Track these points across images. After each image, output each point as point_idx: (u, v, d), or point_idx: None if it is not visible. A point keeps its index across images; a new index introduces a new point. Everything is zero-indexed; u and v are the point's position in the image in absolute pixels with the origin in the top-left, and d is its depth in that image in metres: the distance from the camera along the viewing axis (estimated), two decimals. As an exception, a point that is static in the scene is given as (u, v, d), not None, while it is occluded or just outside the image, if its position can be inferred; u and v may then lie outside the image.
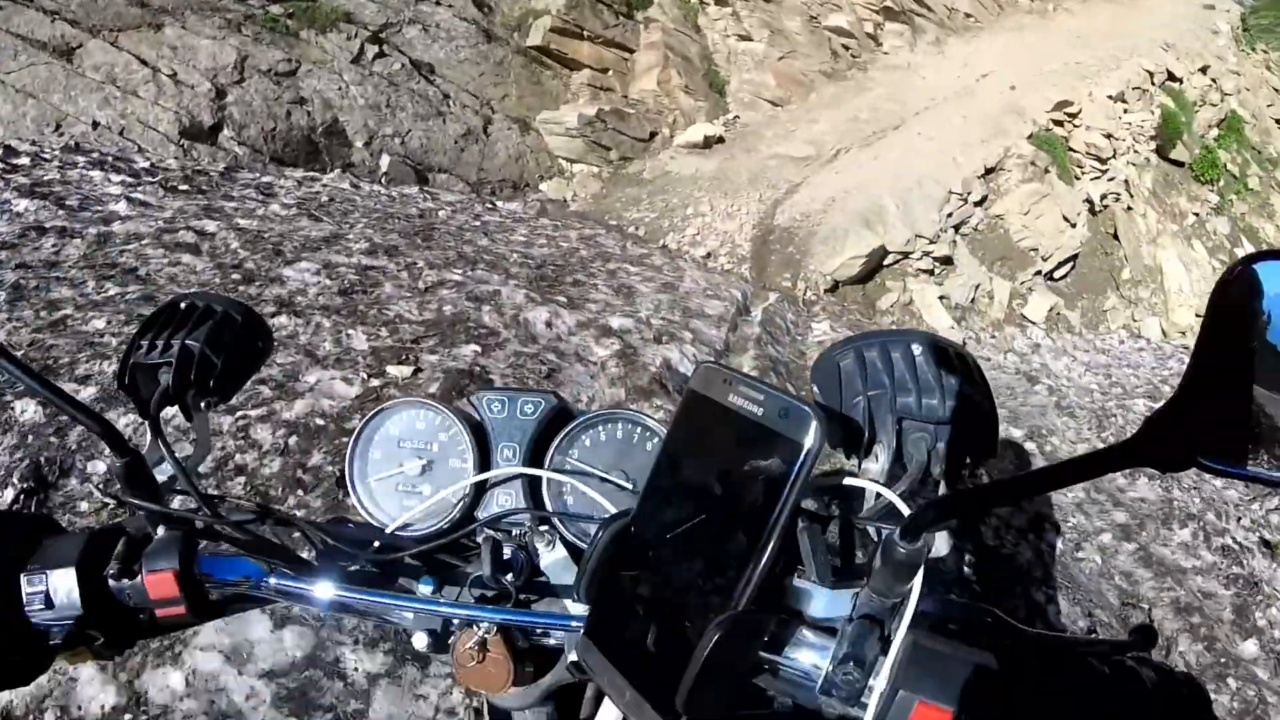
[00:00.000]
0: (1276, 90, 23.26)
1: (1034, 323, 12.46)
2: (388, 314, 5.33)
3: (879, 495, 0.82)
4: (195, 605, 0.99)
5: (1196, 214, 17.89)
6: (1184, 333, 14.64)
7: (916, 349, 0.91)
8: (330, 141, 10.87)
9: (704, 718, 0.71)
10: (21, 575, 0.97)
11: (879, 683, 0.71)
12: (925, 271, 11.43)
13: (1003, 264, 12.88)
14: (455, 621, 1.05)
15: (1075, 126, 15.28)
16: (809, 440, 0.69)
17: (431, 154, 11.89)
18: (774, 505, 0.70)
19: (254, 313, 1.16)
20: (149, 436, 1.06)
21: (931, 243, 11.37)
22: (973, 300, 11.87)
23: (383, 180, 10.77)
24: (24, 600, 0.96)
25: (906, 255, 11.19)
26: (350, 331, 4.96)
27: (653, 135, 14.28)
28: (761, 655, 0.75)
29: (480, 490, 1.16)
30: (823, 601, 0.77)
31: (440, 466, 1.18)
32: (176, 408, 1.09)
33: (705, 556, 0.76)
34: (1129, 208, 15.99)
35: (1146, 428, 0.55)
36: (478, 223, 8.85)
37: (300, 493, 3.55)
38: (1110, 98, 16.03)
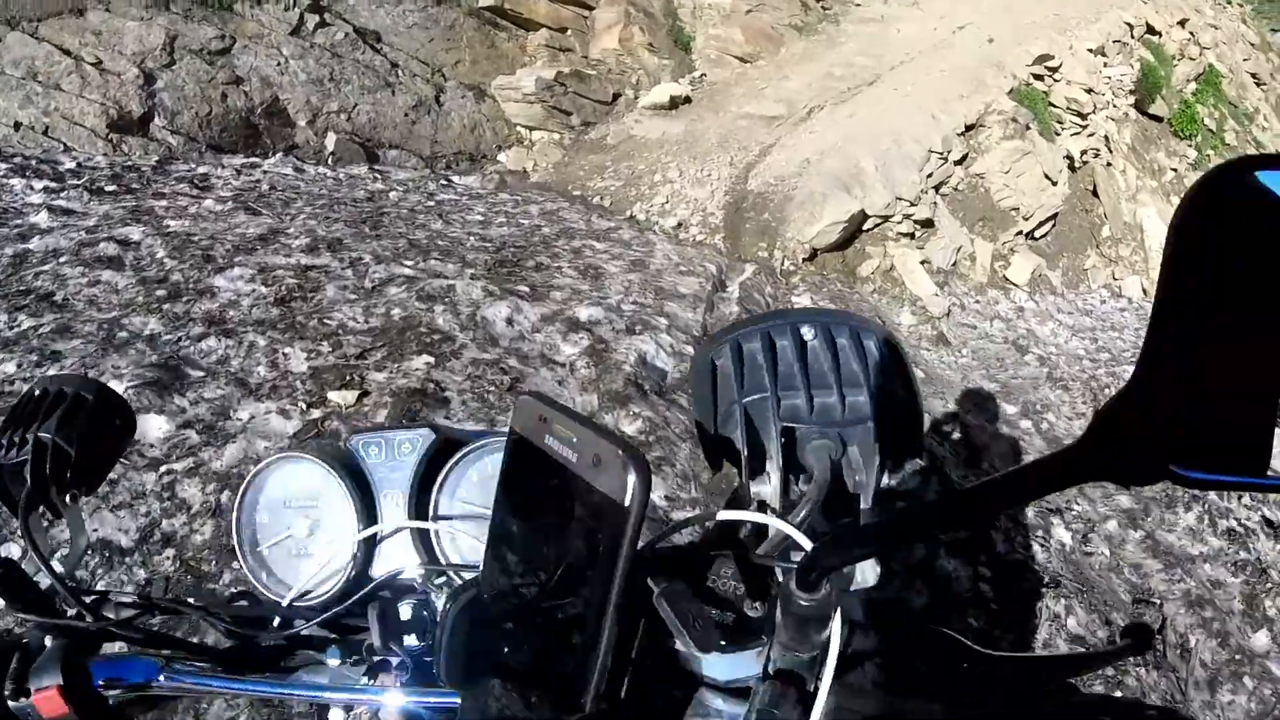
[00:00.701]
0: (1253, 44, 22.95)
1: (1017, 285, 12.05)
2: (330, 323, 4.80)
3: None
4: (90, 718, 0.90)
5: (1175, 169, 17.42)
6: None
7: (807, 334, 0.83)
8: (271, 123, 10.18)
9: None
10: None
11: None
12: (906, 235, 10.87)
13: (984, 225, 12.38)
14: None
15: (1055, 81, 14.75)
16: (628, 498, 0.58)
17: (381, 129, 11.23)
18: (606, 572, 0.60)
19: (105, 388, 1.06)
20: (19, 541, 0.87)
21: (912, 205, 10.80)
22: (954, 263, 11.37)
23: (329, 161, 10.21)
24: None
25: (886, 219, 10.62)
26: (288, 350, 4.48)
27: (616, 97, 13.62)
28: None
29: (371, 545, 1.09)
30: (722, 664, 0.72)
31: (328, 524, 1.11)
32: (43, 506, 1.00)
33: (553, 629, 0.67)
34: (1108, 164, 15.49)
35: (1097, 426, 0.43)
36: (431, 203, 8.30)
37: (238, 565, 3.15)
38: (1090, 51, 15.48)
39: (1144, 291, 13.99)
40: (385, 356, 4.58)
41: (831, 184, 10.28)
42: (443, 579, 1.05)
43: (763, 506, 0.81)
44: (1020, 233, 12.87)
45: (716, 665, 0.71)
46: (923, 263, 10.66)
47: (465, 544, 1.08)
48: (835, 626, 0.64)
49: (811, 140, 11.65)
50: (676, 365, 5.30)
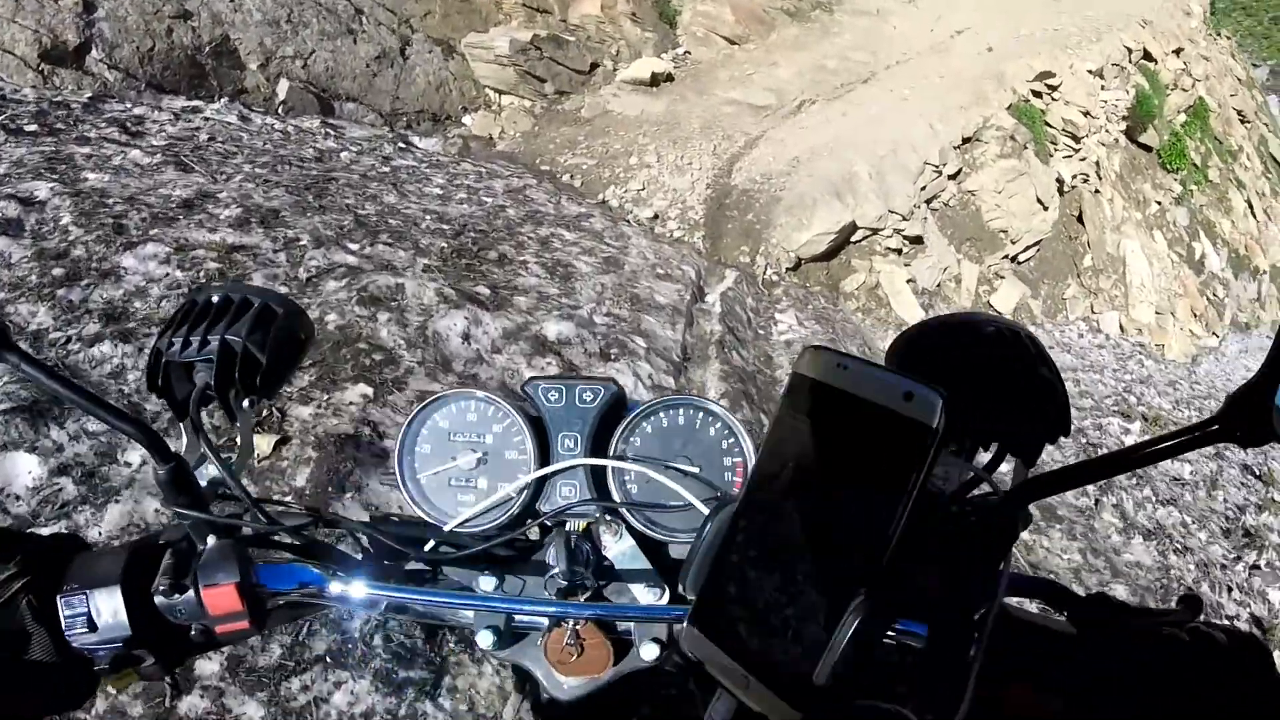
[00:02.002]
0: (1239, 80, 22.83)
1: (1000, 313, 11.37)
2: None
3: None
4: (256, 617, 0.97)
5: (1159, 202, 17.16)
6: (1140, 330, 14.05)
7: (987, 332, 0.94)
8: (219, 64, 9.14)
9: (833, 702, 0.68)
10: (59, 598, 0.93)
11: (977, 653, 0.75)
12: (894, 250, 10.15)
13: (971, 245, 11.76)
14: (519, 617, 1.06)
15: (1054, 100, 14.19)
16: (936, 421, 0.65)
17: (339, 79, 10.23)
18: (899, 487, 0.66)
19: (293, 303, 1.08)
20: (184, 440, 1.01)
21: (904, 219, 10.08)
22: (939, 285, 10.67)
23: (279, 110, 9.23)
24: (63, 624, 0.93)
25: (876, 231, 9.86)
26: None
27: (594, 67, 12.72)
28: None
29: (541, 482, 1.13)
30: (912, 575, 0.78)
31: (495, 459, 1.14)
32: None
33: (822, 543, 0.73)
34: (1096, 190, 15.11)
35: (1229, 405, 0.65)
36: (386, 169, 7.40)
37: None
38: (1090, 72, 14.97)
39: (1121, 329, 13.69)
40: (314, 382, 3.73)
41: (823, 189, 9.48)
42: (611, 517, 1.09)
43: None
44: (1006, 256, 12.30)
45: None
46: (908, 281, 9.92)
47: (637, 486, 1.11)
48: (1012, 549, 0.79)
49: (802, 136, 10.85)
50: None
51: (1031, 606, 0.96)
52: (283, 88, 9.52)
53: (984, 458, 0.90)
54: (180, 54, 8.70)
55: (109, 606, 0.92)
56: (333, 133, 8.46)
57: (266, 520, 0.99)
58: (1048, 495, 0.76)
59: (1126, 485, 7.08)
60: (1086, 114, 14.52)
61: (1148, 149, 17.23)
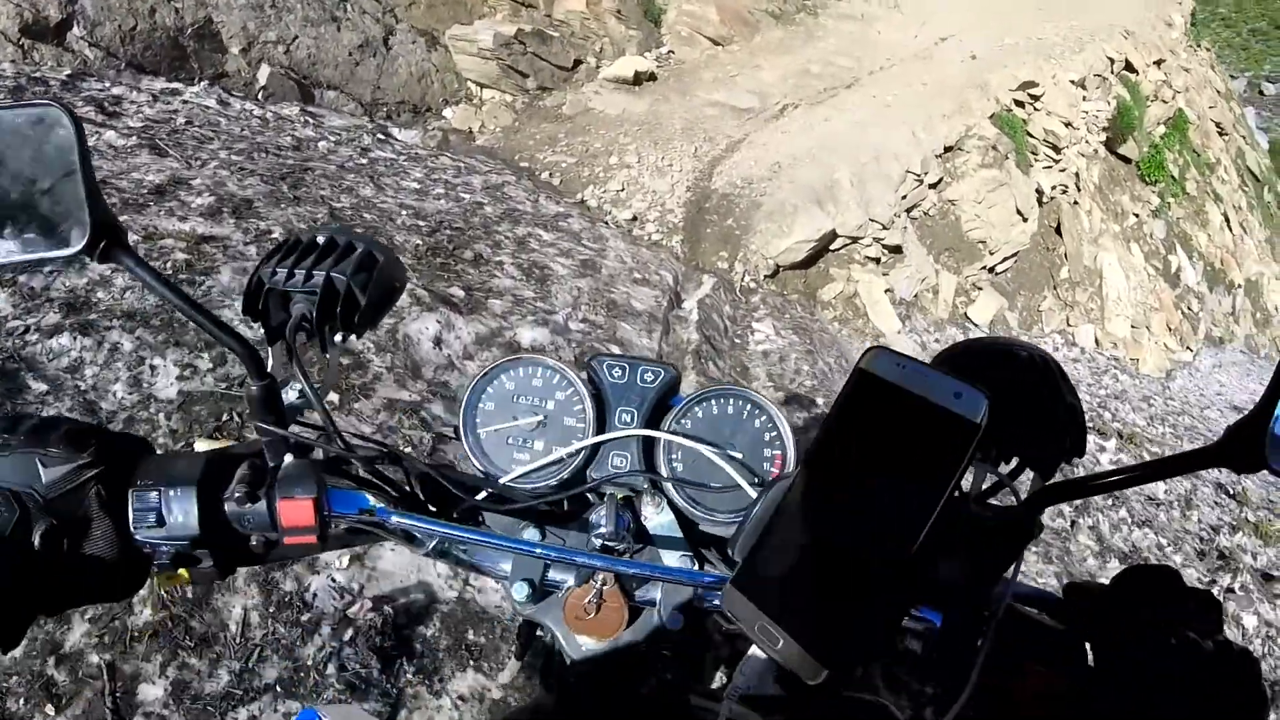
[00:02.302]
0: (1218, 92, 22.91)
1: (977, 325, 11.40)
2: None
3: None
4: (322, 534, 1.04)
5: (1137, 215, 17.15)
6: (1115, 344, 14.08)
7: (1022, 356, 1.04)
8: (201, 46, 8.98)
9: (856, 661, 0.77)
10: (130, 491, 1.00)
11: (984, 643, 0.84)
12: (873, 260, 10.07)
13: (950, 255, 11.70)
14: (554, 574, 1.13)
15: (1036, 110, 14.13)
16: (981, 417, 0.75)
17: (320, 66, 10.08)
18: (941, 475, 0.76)
19: (391, 252, 1.15)
20: (271, 363, 1.06)
21: (884, 228, 9.99)
22: (916, 295, 10.62)
23: (259, 96, 9.11)
24: (131, 517, 0.99)
25: (856, 240, 9.79)
26: (157, 361, 3.59)
27: (577, 64, 12.59)
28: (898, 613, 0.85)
29: (594, 451, 1.19)
30: (938, 568, 0.89)
31: (554, 423, 1.20)
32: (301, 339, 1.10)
33: (863, 523, 0.81)
34: (1075, 202, 15.04)
35: (1228, 436, 0.72)
36: (364, 160, 7.28)
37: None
38: (1073, 82, 14.93)
39: (1096, 342, 13.70)
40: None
41: (804, 195, 9.40)
42: (656, 491, 1.16)
43: None
44: (985, 267, 12.23)
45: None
46: (886, 291, 9.86)
47: (682, 465, 1.17)
48: (1026, 548, 0.89)
49: (784, 141, 10.77)
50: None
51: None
52: (263, 73, 9.38)
53: (1005, 469, 0.97)
54: (162, 35, 8.56)
55: (181, 506, 0.99)
56: (311, 121, 8.34)
57: (344, 446, 1.08)
58: (1062, 502, 0.85)
59: (1102, 506, 7.09)
60: (1068, 124, 14.46)
61: (1127, 160, 17.25)
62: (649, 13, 14.08)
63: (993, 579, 0.89)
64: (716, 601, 1.09)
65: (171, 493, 0.99)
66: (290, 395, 1.07)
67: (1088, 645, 0.88)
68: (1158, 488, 7.99)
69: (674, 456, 1.17)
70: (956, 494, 0.81)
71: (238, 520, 1.02)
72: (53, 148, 0.94)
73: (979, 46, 14.88)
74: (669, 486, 1.15)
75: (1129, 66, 17.39)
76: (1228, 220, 19.94)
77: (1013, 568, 0.88)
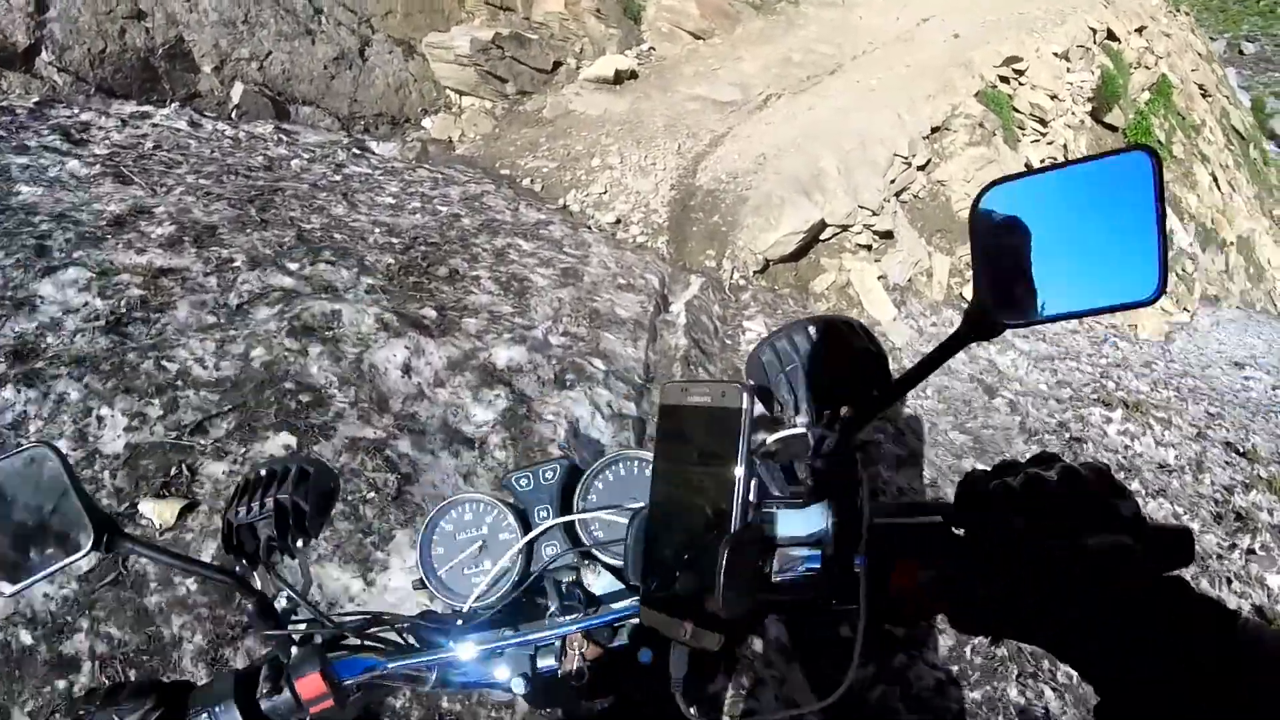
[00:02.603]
0: (1200, 55, 22.83)
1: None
2: (169, 368, 3.77)
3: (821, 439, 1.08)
4: (339, 698, 1.17)
5: None
6: None
7: (811, 331, 1.20)
8: (172, 66, 8.82)
9: (736, 613, 0.90)
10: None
11: (863, 564, 0.95)
12: (864, 247, 9.92)
13: (941, 237, 11.51)
14: (542, 663, 1.29)
15: (1021, 85, 13.99)
16: (743, 403, 0.94)
17: (295, 82, 9.93)
18: (731, 448, 0.94)
19: (320, 462, 1.40)
20: (257, 582, 1.25)
21: (874, 214, 9.83)
22: (910, 280, 10.47)
23: (232, 115, 8.95)
24: None
25: (846, 228, 9.64)
26: (105, 410, 3.46)
27: (556, 66, 12.45)
28: (766, 569, 1.00)
29: (530, 550, 1.39)
30: (798, 520, 1.02)
31: (493, 542, 1.40)
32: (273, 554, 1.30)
33: (704, 513, 0.97)
34: None
35: (965, 317, 0.91)
36: (338, 177, 7.14)
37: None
38: (1056, 55, 14.78)
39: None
40: (231, 431, 3.50)
41: (790, 186, 9.25)
42: (587, 560, 1.36)
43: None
44: (978, 246, 11.99)
45: (794, 520, 1.01)
46: (879, 278, 9.72)
47: (602, 531, 1.37)
48: (860, 467, 1.00)
49: (768, 133, 10.60)
50: (615, 434, 4.29)
51: None
52: (237, 91, 9.24)
53: (826, 421, 1.11)
54: (133, 56, 8.42)
55: (229, 717, 1.14)
56: (285, 138, 8.21)
57: (335, 626, 1.24)
58: (865, 423, 1.00)
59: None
60: (1054, 97, 14.33)
61: (1113, 129, 17.03)
62: (628, 10, 13.91)
63: (850, 511, 0.99)
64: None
65: (218, 708, 1.14)
66: (282, 601, 1.25)
67: (957, 530, 0.97)
68: (1168, 454, 7.94)
69: (592, 527, 1.37)
70: (793, 460, 1.03)
71: (273, 713, 1.15)
72: (47, 478, 1.15)
73: (961, 25, 14.70)
74: (596, 552, 1.34)
75: (1111, 35, 17.32)
76: (1216, 180, 19.93)
77: (859, 493, 0.98)
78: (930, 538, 0.98)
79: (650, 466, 1.12)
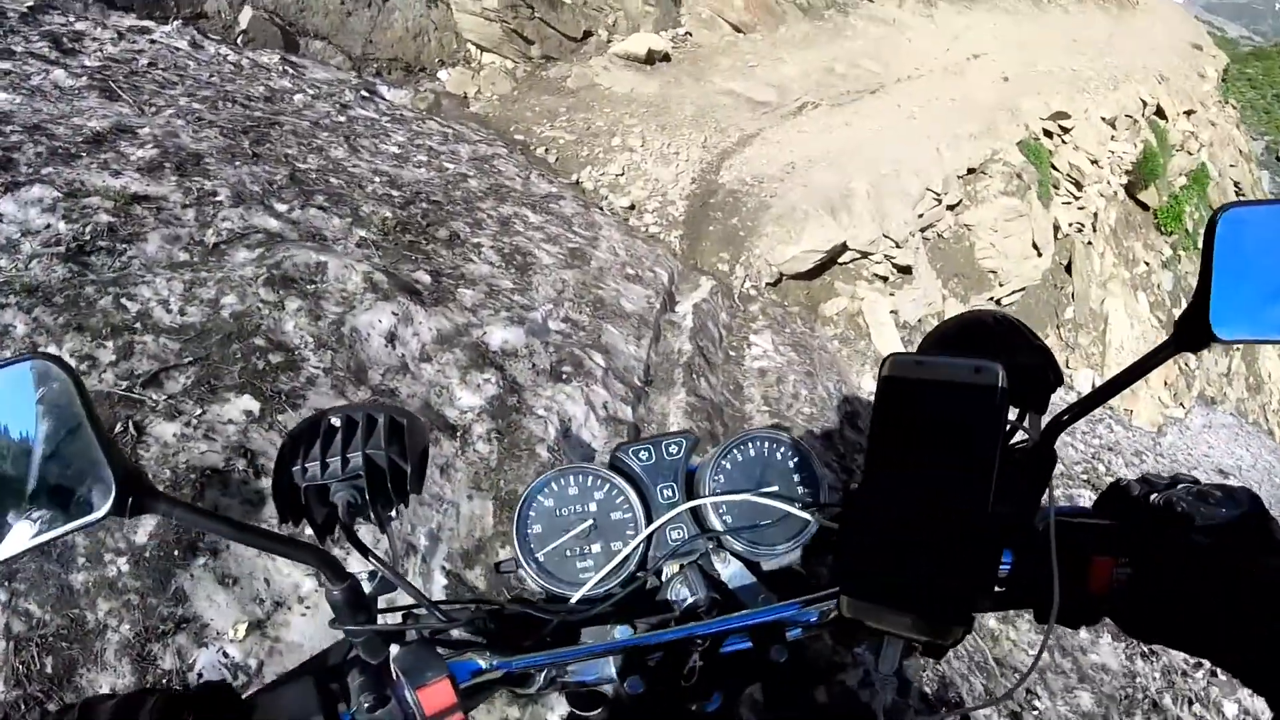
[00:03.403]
0: (1241, 152, 22.70)
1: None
2: (129, 308, 3.29)
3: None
4: (466, 707, 1.02)
5: (1148, 263, 17.03)
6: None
7: (992, 323, 1.14)
8: (179, -20, 8.31)
9: (973, 610, 0.86)
10: None
11: (1054, 554, 0.92)
12: (881, 278, 9.41)
13: (959, 282, 11.10)
14: (654, 657, 1.14)
15: (1064, 143, 13.62)
16: (1001, 381, 0.86)
17: (309, 13, 9.42)
18: (989, 435, 0.86)
19: (411, 414, 1.13)
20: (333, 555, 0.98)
21: (897, 246, 9.32)
22: (920, 320, 9.97)
23: (239, 40, 8.43)
24: None
25: (866, 255, 9.11)
26: (53, 349, 2.99)
27: (586, 35, 11.93)
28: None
29: (650, 534, 1.23)
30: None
31: (604, 523, 1.23)
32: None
33: (936, 499, 0.88)
34: (1089, 242, 14.70)
35: (1178, 327, 0.87)
36: (342, 119, 6.66)
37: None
38: (1104, 120, 14.42)
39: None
40: (189, 387, 2.95)
41: (817, 201, 8.71)
42: (718, 547, 1.21)
43: None
44: (992, 298, 11.64)
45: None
46: (891, 312, 9.20)
47: (731, 515, 1.21)
48: (1056, 468, 0.99)
49: (801, 141, 10.08)
50: (608, 440, 3.75)
51: None
52: (245, 16, 8.70)
53: (1013, 416, 1.05)
54: None
55: None
56: (291, 71, 7.72)
57: (443, 618, 1.05)
58: (1067, 426, 0.98)
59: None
60: (1094, 162, 14.05)
61: (1145, 207, 17.04)
62: (670, -10, 13.34)
63: (1035, 507, 1.00)
64: (812, 619, 1.14)
65: None
66: (365, 585, 1.01)
67: (1142, 535, 0.96)
68: (1226, 460, 7.72)
69: (722, 510, 1.21)
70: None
71: None
72: (49, 405, 0.83)
73: (1012, 69, 14.35)
74: (729, 539, 1.20)
75: (1159, 112, 17.19)
76: None
77: (1048, 492, 0.98)
78: (1116, 540, 0.97)
79: (868, 444, 0.96)
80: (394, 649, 1.01)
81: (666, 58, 12.12)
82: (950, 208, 10.83)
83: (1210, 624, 0.89)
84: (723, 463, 1.23)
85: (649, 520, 1.21)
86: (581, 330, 4.55)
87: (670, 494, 1.22)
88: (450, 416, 3.39)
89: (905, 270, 9.72)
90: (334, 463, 1.03)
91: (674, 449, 1.25)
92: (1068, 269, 13.96)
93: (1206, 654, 0.90)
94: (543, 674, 1.11)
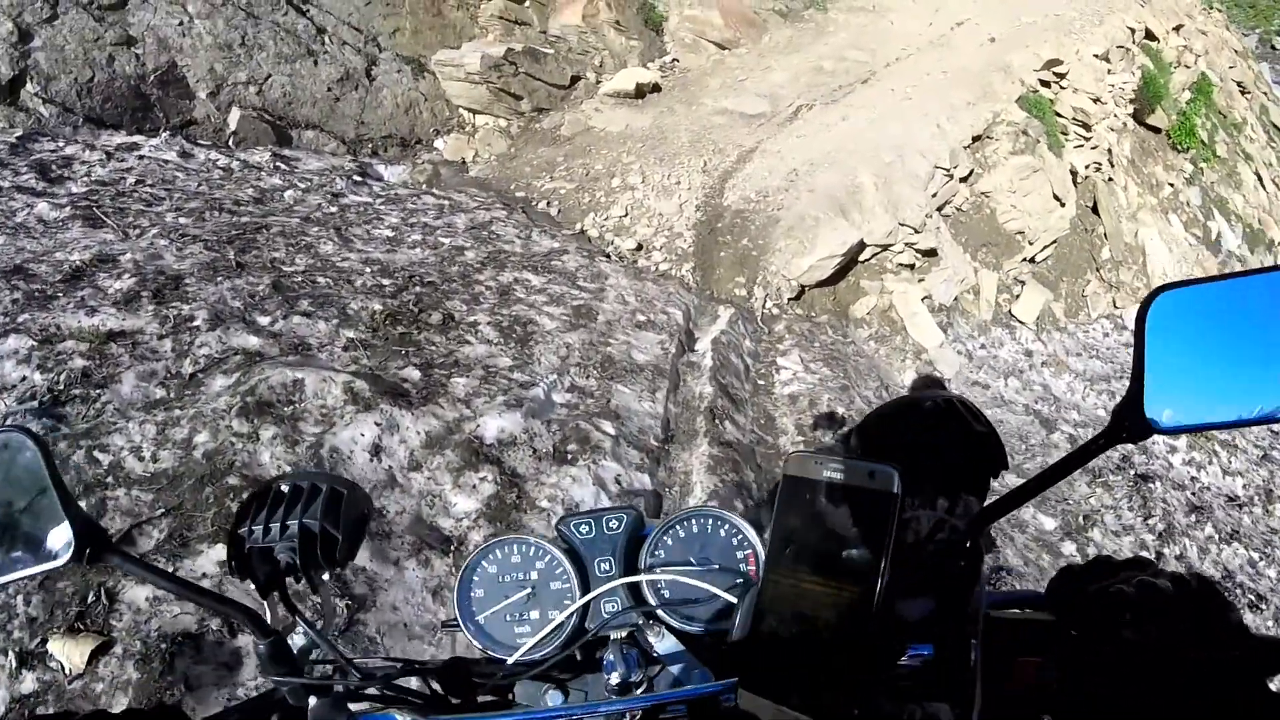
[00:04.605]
0: (1236, 52, 22.32)
1: (1023, 323, 10.63)
2: (101, 460, 3.28)
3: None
4: None
5: (1172, 184, 16.55)
6: None
7: (928, 407, 1.25)
8: (165, 93, 8.42)
9: (866, 704, 0.85)
10: None
11: (976, 655, 0.94)
12: (906, 266, 9.27)
13: (987, 251, 10.92)
14: None
15: (1062, 88, 13.41)
16: (896, 487, 0.87)
17: (297, 105, 9.46)
18: (879, 542, 0.87)
19: (353, 484, 1.20)
20: (267, 615, 1.08)
21: (916, 232, 9.17)
22: (956, 299, 9.80)
23: (230, 142, 8.51)
24: None
25: (886, 248, 8.97)
26: None
27: (574, 81, 11.90)
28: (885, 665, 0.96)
29: (586, 605, 1.26)
30: (909, 607, 1.01)
31: (543, 591, 1.27)
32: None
33: (829, 600, 0.89)
34: (1109, 179, 14.36)
35: (1115, 417, 0.86)
36: (334, 209, 6.66)
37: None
38: (1097, 56, 14.19)
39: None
40: (162, 543, 2.94)
41: (826, 205, 8.60)
42: (652, 621, 1.22)
43: None
44: (1025, 258, 11.53)
45: (905, 608, 1.00)
46: (924, 299, 9.05)
47: (669, 591, 1.24)
48: (983, 563, 0.97)
49: (800, 146, 9.97)
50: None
51: None
52: (234, 117, 8.77)
53: (944, 505, 1.16)
54: (122, 84, 8.06)
55: None
56: (284, 166, 7.77)
57: (360, 675, 1.08)
58: (996, 519, 0.97)
59: (1186, 527, 6.44)
60: (1096, 100, 13.78)
61: (1156, 130, 16.65)
62: (649, 20, 13.40)
63: (965, 601, 0.97)
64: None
65: None
66: (298, 640, 1.10)
67: (1073, 632, 0.94)
68: (1235, 484, 7.76)
69: (659, 586, 1.24)
70: (905, 546, 1.05)
71: None
72: (21, 470, 0.98)
73: (996, 28, 14.13)
74: (662, 613, 1.21)
75: (1149, 35, 16.84)
76: (1260, 179, 19.44)
77: (977, 586, 0.97)
78: (1048, 637, 0.95)
79: (769, 540, 0.98)
80: (313, 700, 1.06)
81: (656, 88, 12.07)
82: (963, 180, 10.67)
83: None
84: (664, 538, 1.27)
85: (585, 591, 1.24)
86: (589, 398, 4.49)
87: (607, 568, 1.25)
88: (445, 527, 3.34)
89: (930, 254, 9.58)
90: (275, 527, 1.09)
91: (614, 524, 1.27)
92: (1094, 210, 13.67)
93: None
94: None
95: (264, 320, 4.39)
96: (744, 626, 0.99)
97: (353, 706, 1.09)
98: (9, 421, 3.28)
